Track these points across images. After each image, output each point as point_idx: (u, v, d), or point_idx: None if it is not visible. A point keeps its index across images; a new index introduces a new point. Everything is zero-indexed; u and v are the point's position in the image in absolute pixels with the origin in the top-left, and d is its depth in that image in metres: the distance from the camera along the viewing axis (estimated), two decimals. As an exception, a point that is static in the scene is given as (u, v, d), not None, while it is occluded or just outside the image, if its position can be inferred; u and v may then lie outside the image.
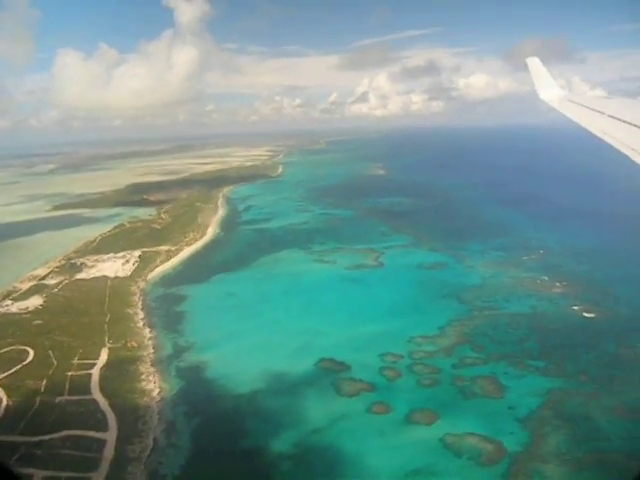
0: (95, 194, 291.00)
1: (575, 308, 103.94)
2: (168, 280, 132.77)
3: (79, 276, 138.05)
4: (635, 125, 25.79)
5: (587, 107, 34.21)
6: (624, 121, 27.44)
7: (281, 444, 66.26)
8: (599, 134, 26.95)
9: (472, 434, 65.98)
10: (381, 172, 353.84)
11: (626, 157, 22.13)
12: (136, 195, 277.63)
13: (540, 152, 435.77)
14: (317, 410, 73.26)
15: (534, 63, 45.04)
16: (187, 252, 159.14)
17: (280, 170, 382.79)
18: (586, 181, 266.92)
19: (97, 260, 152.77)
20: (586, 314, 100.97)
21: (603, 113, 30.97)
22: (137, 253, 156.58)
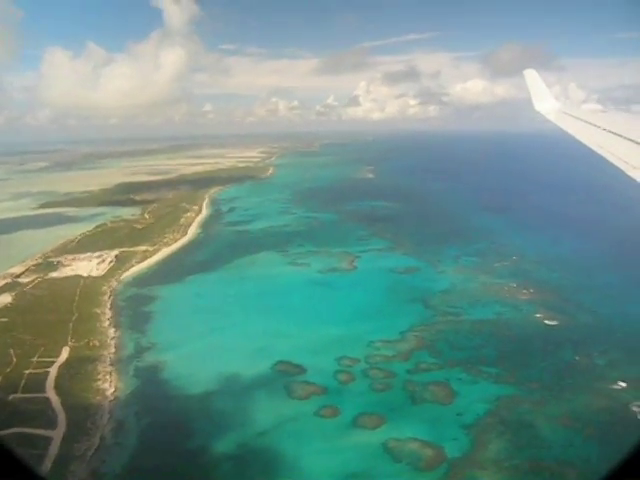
0: (83, 193, 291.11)
1: (538, 315, 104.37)
2: (141, 280, 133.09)
3: (53, 275, 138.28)
4: (629, 139, 26.03)
5: (582, 120, 34.66)
6: (619, 135, 27.74)
7: (225, 445, 66.67)
8: (594, 147, 27.28)
9: (415, 439, 66.38)
10: (370, 175, 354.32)
11: (620, 170, 22.29)
12: (123, 194, 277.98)
13: (531, 159, 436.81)
14: (266, 412, 73.60)
15: (531, 75, 45.59)
16: (164, 253, 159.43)
17: (270, 172, 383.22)
18: (573, 190, 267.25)
19: (74, 259, 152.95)
20: (548, 321, 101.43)
21: (598, 126, 31.45)
22: (114, 253, 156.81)
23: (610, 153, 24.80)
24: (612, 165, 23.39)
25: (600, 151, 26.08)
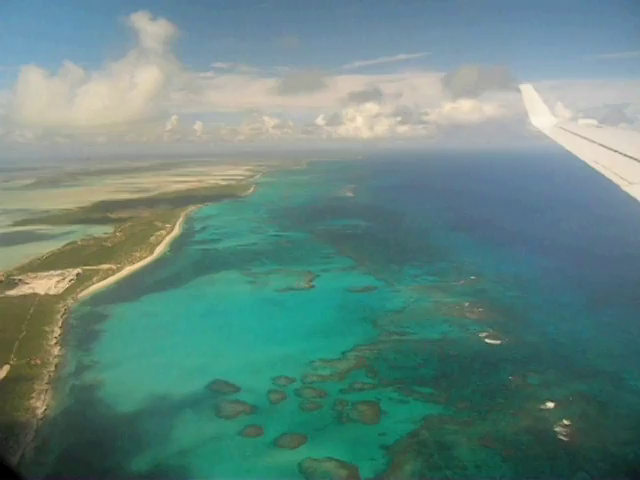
0: (60, 211, 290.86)
1: (483, 335, 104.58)
2: (97, 299, 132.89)
3: (10, 293, 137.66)
4: (626, 155, 26.17)
5: (578, 135, 34.73)
6: (615, 150, 27.87)
7: (142, 463, 66.48)
8: (590, 162, 27.33)
9: (332, 459, 66.33)
10: (349, 194, 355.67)
11: (616, 186, 22.37)
12: (100, 213, 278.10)
13: (518, 175, 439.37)
14: (190, 431, 73.54)
15: (527, 90, 45.82)
16: (127, 271, 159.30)
17: (251, 190, 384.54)
18: (558, 207, 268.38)
19: (35, 277, 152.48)
20: (491, 341, 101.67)
21: (594, 142, 31.48)
22: (76, 271, 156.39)
23: (606, 169, 24.96)
24: (608, 181, 23.56)
25: (596, 166, 26.20)
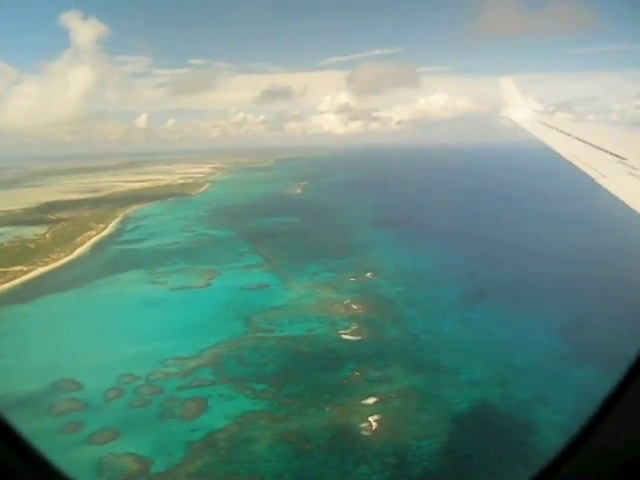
0: (2, 212, 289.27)
1: (347, 331, 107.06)
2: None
3: None
4: (600, 148, 26.93)
5: (556, 129, 35.64)
6: (591, 144, 28.66)
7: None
8: (566, 156, 28.22)
9: (133, 454, 68.92)
10: (297, 191, 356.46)
11: (591, 179, 23.10)
12: (40, 214, 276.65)
13: (483, 171, 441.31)
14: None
15: (506, 83, 46.31)
16: (37, 272, 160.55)
17: (203, 188, 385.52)
18: (496, 203, 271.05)
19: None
20: (351, 337, 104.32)
21: (571, 135, 32.41)
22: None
23: (582, 162, 25.73)
24: (584, 174, 24.28)
25: (572, 160, 26.97)
